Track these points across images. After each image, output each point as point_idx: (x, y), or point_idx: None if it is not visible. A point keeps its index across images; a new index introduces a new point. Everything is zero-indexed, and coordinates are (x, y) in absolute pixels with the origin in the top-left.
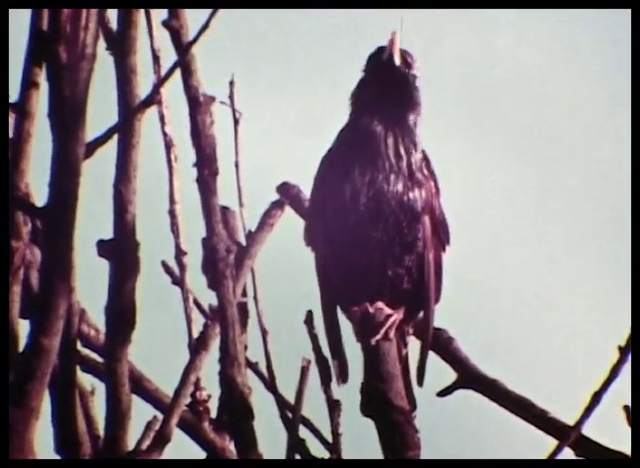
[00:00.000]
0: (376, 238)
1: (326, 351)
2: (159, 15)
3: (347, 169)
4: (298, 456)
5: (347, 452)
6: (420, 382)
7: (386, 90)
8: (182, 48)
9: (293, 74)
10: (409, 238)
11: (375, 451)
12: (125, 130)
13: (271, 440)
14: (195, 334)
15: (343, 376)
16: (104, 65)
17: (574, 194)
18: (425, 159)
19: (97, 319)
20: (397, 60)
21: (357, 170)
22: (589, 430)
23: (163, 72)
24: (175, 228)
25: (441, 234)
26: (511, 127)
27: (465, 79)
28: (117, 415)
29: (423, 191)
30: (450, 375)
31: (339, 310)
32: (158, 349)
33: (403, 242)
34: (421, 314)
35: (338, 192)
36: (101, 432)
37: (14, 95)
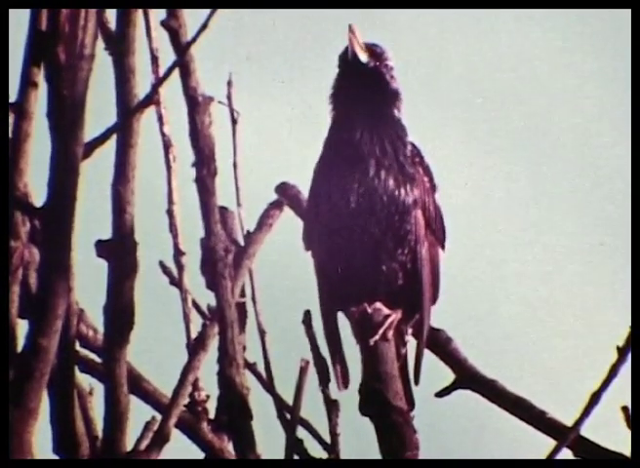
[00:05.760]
0: (368, 233)
1: (324, 351)
2: (158, 15)
3: (337, 170)
4: (296, 456)
5: (345, 453)
6: (417, 381)
7: (360, 88)
8: (181, 48)
9: (291, 74)
10: (401, 231)
11: (373, 452)
12: (123, 130)
13: (270, 440)
14: (194, 335)
15: (345, 381)
16: (103, 65)
17: (574, 193)
18: (418, 154)
19: (95, 319)
20: (363, 58)
21: (346, 170)
22: (588, 431)
23: (162, 72)
24: (173, 228)
25: (435, 230)
26: (512, 127)
27: (465, 79)
28: (115, 416)
29: (415, 185)
30: (448, 376)
31: (338, 315)
32: (156, 349)
33: (395, 236)
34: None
35: (329, 193)
36: (100, 432)
37: (13, 94)
